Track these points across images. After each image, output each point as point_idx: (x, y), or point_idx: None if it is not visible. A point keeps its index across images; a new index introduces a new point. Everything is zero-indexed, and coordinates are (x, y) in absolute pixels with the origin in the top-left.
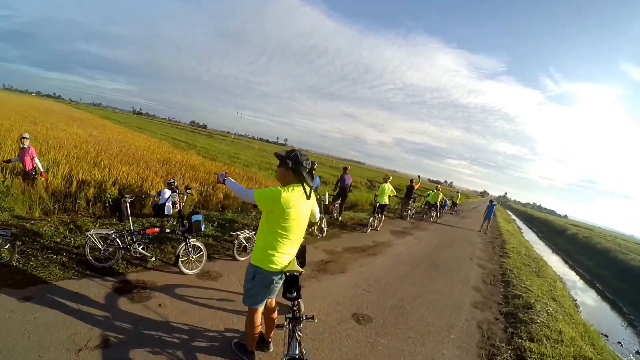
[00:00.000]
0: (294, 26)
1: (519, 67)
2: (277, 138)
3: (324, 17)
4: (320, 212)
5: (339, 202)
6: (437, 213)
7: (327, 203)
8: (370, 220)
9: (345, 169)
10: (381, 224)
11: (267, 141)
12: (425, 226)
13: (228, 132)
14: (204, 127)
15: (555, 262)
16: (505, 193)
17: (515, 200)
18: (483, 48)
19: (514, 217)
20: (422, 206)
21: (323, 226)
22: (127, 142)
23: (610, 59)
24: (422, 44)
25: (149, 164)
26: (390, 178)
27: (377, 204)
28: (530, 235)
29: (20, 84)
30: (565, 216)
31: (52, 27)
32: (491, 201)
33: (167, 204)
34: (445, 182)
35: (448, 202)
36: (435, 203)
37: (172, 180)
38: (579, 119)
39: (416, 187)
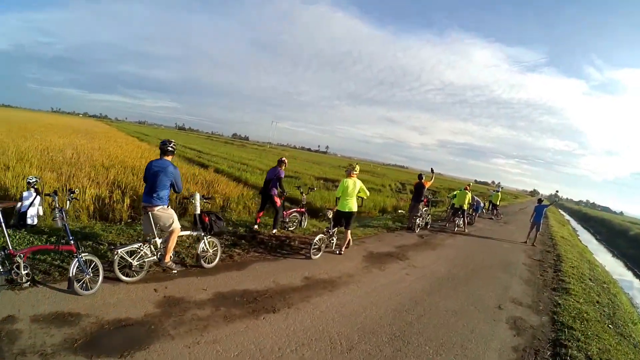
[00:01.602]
0: (327, 33)
1: (559, 57)
2: (319, 146)
3: (356, 21)
4: (197, 225)
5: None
6: (464, 220)
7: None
8: (318, 240)
9: (280, 161)
10: (347, 244)
11: (309, 150)
12: (439, 242)
13: (269, 143)
14: (246, 138)
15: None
16: (557, 191)
17: (567, 198)
18: (521, 40)
19: (567, 217)
20: (447, 210)
21: (205, 249)
22: (107, 150)
23: None
24: (458, 41)
25: (96, 169)
26: (357, 168)
27: (335, 212)
28: (584, 236)
29: (67, 106)
30: (621, 213)
31: (93, 51)
32: (540, 201)
33: (29, 211)
34: (493, 182)
35: (483, 203)
36: (461, 207)
37: (33, 179)
38: (627, 107)
39: (428, 184)
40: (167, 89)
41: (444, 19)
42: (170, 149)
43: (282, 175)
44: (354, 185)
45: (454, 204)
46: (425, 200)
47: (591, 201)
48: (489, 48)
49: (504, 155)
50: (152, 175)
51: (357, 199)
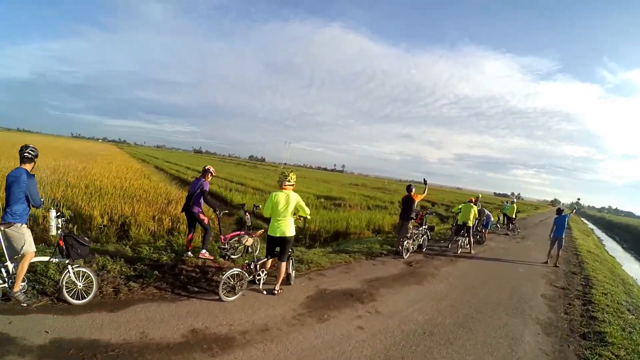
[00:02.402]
0: (339, 54)
1: (572, 63)
2: (335, 165)
3: (367, 41)
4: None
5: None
6: (469, 239)
7: None
8: (228, 277)
9: (204, 170)
10: (288, 279)
11: (325, 169)
12: (432, 270)
13: (284, 164)
14: (262, 160)
15: None
16: (579, 199)
17: (589, 206)
18: (532, 49)
19: (591, 225)
20: (452, 227)
21: (70, 281)
22: (89, 170)
23: None
24: (469, 54)
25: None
26: (292, 178)
27: (247, 240)
28: (610, 244)
29: (87, 131)
30: None
31: (111, 78)
32: (560, 211)
33: None
34: (512, 194)
35: (494, 218)
36: (465, 223)
37: None
38: None
39: (418, 198)
40: (185, 113)
41: (454, 32)
42: (27, 154)
43: (207, 188)
44: (287, 200)
45: (457, 221)
46: (418, 217)
47: (614, 207)
48: (501, 59)
49: (523, 165)
50: (7, 188)
51: (300, 219)
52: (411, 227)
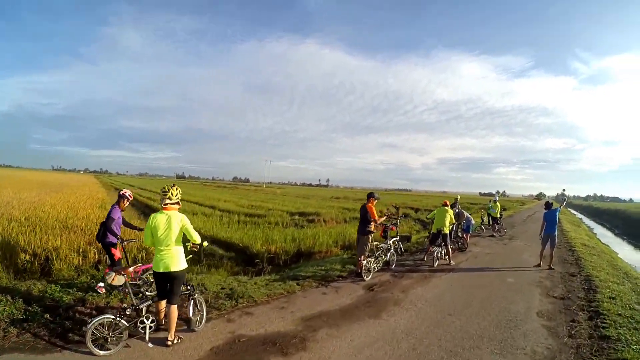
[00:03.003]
0: (318, 69)
1: (545, 58)
2: (319, 180)
3: (344, 55)
4: None
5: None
6: (447, 249)
7: None
8: (95, 325)
9: (120, 196)
10: (174, 329)
11: (310, 184)
12: (398, 295)
13: (265, 183)
14: (246, 180)
15: None
16: (564, 190)
17: (575, 195)
18: (505, 48)
19: (578, 215)
20: (428, 237)
21: None
22: (43, 201)
23: (635, 22)
24: (445, 59)
25: None
26: (175, 194)
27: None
28: (600, 231)
29: (69, 163)
30: (631, 200)
31: (94, 108)
32: (549, 205)
33: None
34: (498, 192)
35: (474, 220)
36: (440, 231)
37: None
38: (619, 95)
39: (374, 210)
40: (167, 139)
41: (428, 40)
42: None
43: (115, 215)
44: (168, 224)
45: (436, 229)
46: (381, 230)
47: (599, 194)
48: (475, 61)
49: (506, 163)
50: None
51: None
52: (371, 241)
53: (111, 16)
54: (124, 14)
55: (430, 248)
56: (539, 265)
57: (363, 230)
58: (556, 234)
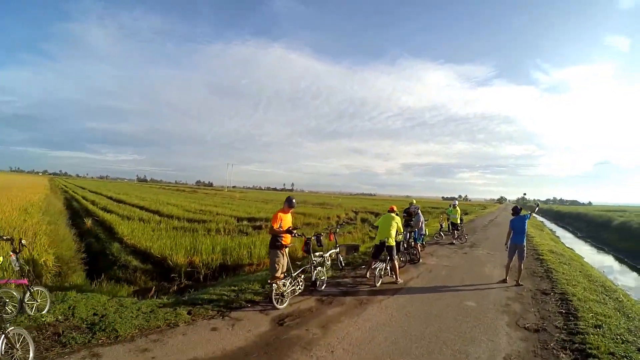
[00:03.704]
0: (284, 73)
1: (507, 68)
2: (284, 184)
3: (311, 60)
4: None
5: None
6: (394, 264)
7: None
8: None
9: None
10: None
11: (275, 189)
12: (313, 331)
13: (227, 186)
14: (210, 184)
15: None
16: (525, 193)
17: (535, 199)
18: (468, 57)
19: (540, 218)
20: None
21: None
22: None
23: (593, 37)
24: (410, 67)
25: None
26: None
27: None
28: (561, 233)
29: (28, 165)
30: (590, 203)
31: (56, 108)
32: (517, 210)
33: None
34: (460, 196)
35: (427, 229)
36: (384, 243)
37: None
38: (578, 103)
39: (284, 212)
40: (130, 141)
41: (394, 48)
42: None
43: None
44: None
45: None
46: (302, 244)
47: (558, 198)
48: (440, 70)
49: (469, 168)
50: None
51: None
52: (284, 257)
53: (75, 12)
54: (88, 10)
55: (373, 263)
56: (504, 280)
57: (273, 243)
58: (525, 244)
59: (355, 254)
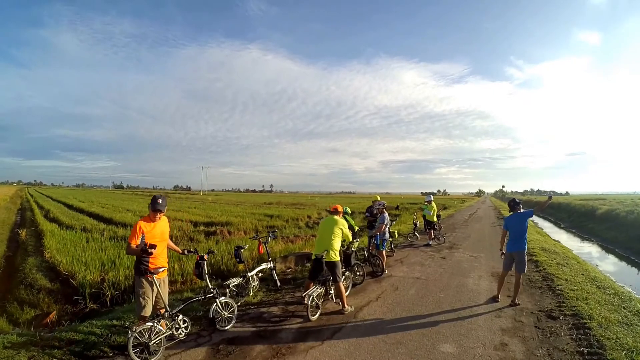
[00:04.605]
0: (260, 75)
1: (481, 65)
2: (263, 186)
3: (287, 61)
4: None
5: None
6: (338, 287)
7: None
8: None
9: None
10: None
11: (254, 191)
12: None
13: (213, 190)
14: (188, 189)
15: None
16: (503, 186)
17: (512, 191)
18: (443, 56)
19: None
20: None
21: None
22: None
23: (564, 33)
24: (385, 67)
25: None
26: None
27: None
28: (543, 224)
29: (1, 176)
30: (567, 193)
31: (27, 116)
32: (515, 205)
33: None
34: (439, 191)
35: (396, 231)
36: (320, 258)
37: None
38: (552, 97)
39: (149, 219)
40: (105, 148)
41: (369, 48)
42: None
43: None
44: None
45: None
46: (195, 266)
47: (535, 189)
48: (415, 68)
49: (446, 163)
50: None
51: None
52: (152, 285)
53: (46, 17)
54: (60, 15)
55: (310, 286)
56: (495, 298)
57: (137, 267)
58: (525, 250)
59: (308, 264)
